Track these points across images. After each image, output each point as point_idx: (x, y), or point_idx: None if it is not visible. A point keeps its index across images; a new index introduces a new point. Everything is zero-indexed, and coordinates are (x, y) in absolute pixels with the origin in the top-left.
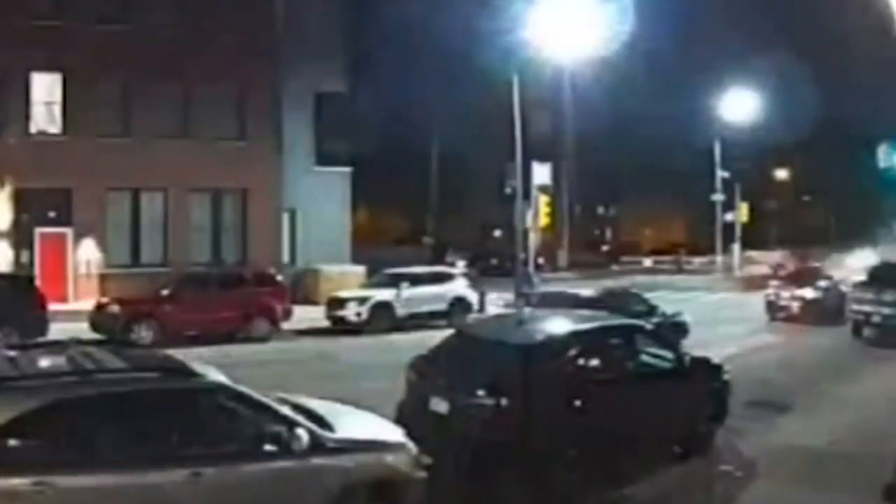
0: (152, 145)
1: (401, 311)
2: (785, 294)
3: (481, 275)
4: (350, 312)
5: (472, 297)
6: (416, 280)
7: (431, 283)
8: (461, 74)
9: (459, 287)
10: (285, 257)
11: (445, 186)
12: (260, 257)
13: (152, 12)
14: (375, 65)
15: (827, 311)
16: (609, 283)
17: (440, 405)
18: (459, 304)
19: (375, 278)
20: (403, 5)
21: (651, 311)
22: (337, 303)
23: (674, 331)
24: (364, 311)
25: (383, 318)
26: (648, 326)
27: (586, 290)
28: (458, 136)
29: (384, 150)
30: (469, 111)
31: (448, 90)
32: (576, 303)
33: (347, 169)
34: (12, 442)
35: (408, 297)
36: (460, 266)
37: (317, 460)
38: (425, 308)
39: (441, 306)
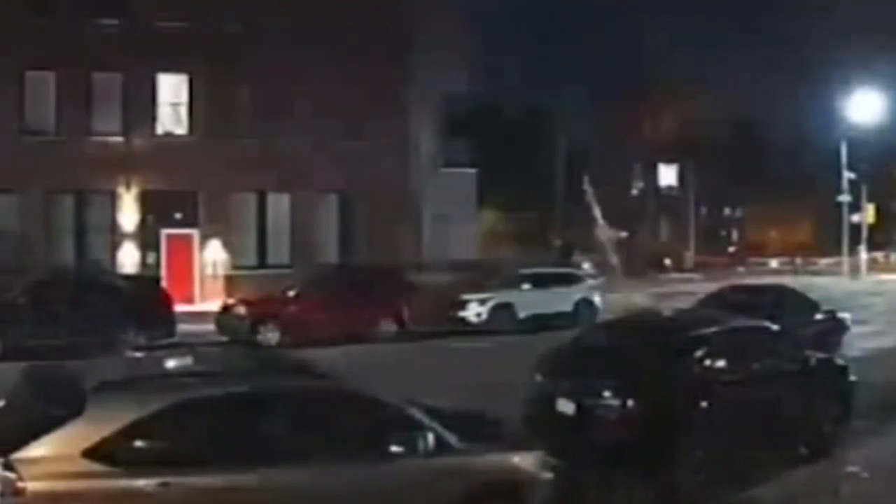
0: (278, 146)
1: (523, 312)
2: None
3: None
4: (470, 313)
5: (598, 298)
6: (539, 281)
7: (556, 285)
8: (589, 75)
9: (585, 289)
10: (412, 258)
11: (572, 187)
12: (386, 258)
13: (279, 14)
14: (501, 63)
15: None
16: (766, 281)
17: (567, 406)
18: (585, 305)
19: (498, 279)
20: (529, 4)
21: (813, 308)
22: (458, 303)
23: (835, 328)
24: (484, 311)
25: (504, 320)
26: (774, 327)
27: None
28: (585, 136)
29: (512, 151)
30: (596, 112)
31: (576, 91)
32: (734, 302)
33: (473, 170)
34: (138, 442)
35: (530, 299)
36: (586, 267)
37: (442, 461)
38: (548, 309)
39: (566, 308)
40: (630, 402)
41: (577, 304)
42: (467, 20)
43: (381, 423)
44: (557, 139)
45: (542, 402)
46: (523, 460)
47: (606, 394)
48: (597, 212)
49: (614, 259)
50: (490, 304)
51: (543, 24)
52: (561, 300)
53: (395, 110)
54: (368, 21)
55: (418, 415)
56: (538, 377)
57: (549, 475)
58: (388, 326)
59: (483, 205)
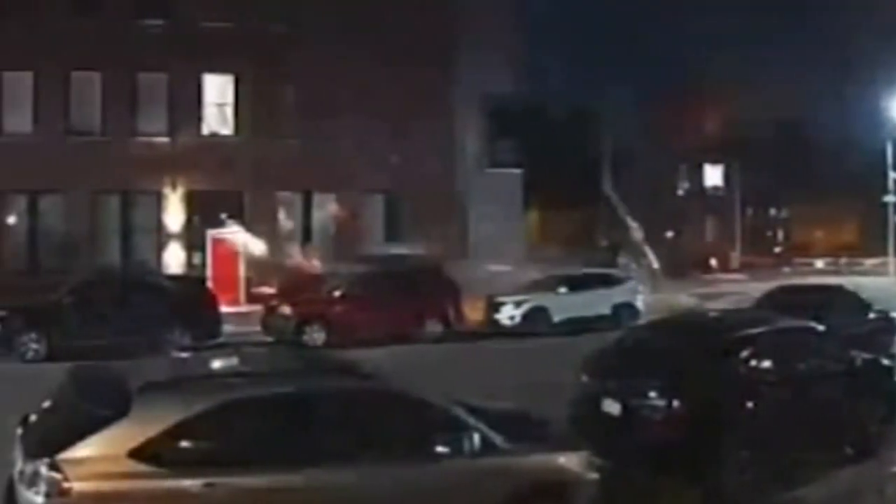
0: (324, 146)
1: (558, 315)
2: None
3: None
4: (503, 316)
5: (639, 299)
6: (577, 283)
7: (593, 287)
8: (634, 75)
9: (624, 291)
10: (457, 258)
11: (618, 187)
12: (432, 258)
13: (324, 14)
14: (546, 64)
15: None
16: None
17: (612, 406)
18: (624, 308)
19: (535, 281)
20: (574, 4)
21: (866, 308)
22: (494, 305)
23: (887, 328)
24: (518, 315)
25: (538, 323)
26: (820, 328)
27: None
28: (630, 136)
29: (557, 151)
30: (641, 112)
31: (621, 91)
32: (789, 302)
33: (518, 170)
34: (184, 443)
35: (566, 302)
36: (633, 268)
37: (487, 462)
38: (585, 313)
39: (604, 310)
40: (676, 403)
41: (617, 307)
42: (512, 20)
43: (426, 423)
44: (602, 139)
45: (587, 403)
46: (569, 461)
47: (652, 394)
48: (624, 214)
49: (648, 260)
50: (524, 307)
51: (588, 24)
52: (599, 303)
53: (440, 110)
54: (413, 21)
55: (464, 415)
56: (584, 377)
57: (594, 475)
58: (434, 327)
59: (528, 205)
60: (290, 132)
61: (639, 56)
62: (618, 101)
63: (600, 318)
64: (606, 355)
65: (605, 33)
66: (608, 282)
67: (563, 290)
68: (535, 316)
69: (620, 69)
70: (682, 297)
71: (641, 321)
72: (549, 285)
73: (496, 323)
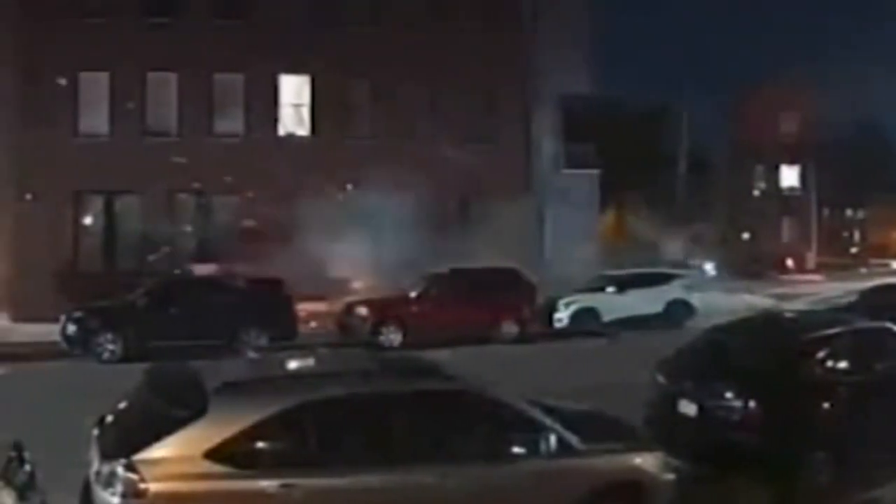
0: (399, 147)
1: (608, 315)
2: None
3: (736, 276)
4: (556, 316)
5: (695, 299)
6: (625, 283)
7: (644, 286)
8: (711, 76)
9: (677, 288)
10: (534, 259)
11: (694, 188)
12: (508, 259)
13: (400, 14)
14: (624, 66)
15: None
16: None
17: (689, 408)
18: (679, 306)
19: (588, 281)
20: (650, 6)
21: None
22: (550, 306)
23: None
24: (565, 316)
25: (587, 323)
26: (895, 329)
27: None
28: (707, 137)
29: (633, 152)
30: (718, 113)
31: (698, 92)
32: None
33: (595, 171)
34: (260, 444)
35: (616, 302)
36: (708, 269)
37: (564, 462)
38: (635, 312)
39: (655, 309)
40: (752, 404)
41: (670, 305)
42: (589, 20)
43: (503, 424)
44: (679, 140)
45: (663, 404)
46: (645, 461)
47: (728, 395)
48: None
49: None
50: (571, 308)
51: (666, 25)
52: (650, 302)
53: (516, 111)
54: (490, 20)
55: (540, 416)
56: (660, 378)
57: (670, 476)
58: (510, 328)
59: (605, 206)
60: (365, 132)
61: (716, 57)
62: (695, 102)
63: (653, 316)
64: (682, 356)
65: (683, 34)
66: (659, 280)
67: (611, 289)
68: (583, 316)
69: (697, 70)
70: (758, 298)
71: (698, 317)
72: (597, 286)
73: (551, 323)
